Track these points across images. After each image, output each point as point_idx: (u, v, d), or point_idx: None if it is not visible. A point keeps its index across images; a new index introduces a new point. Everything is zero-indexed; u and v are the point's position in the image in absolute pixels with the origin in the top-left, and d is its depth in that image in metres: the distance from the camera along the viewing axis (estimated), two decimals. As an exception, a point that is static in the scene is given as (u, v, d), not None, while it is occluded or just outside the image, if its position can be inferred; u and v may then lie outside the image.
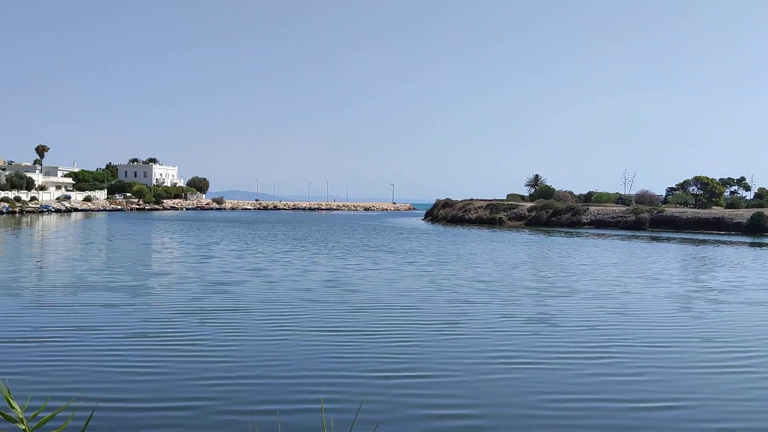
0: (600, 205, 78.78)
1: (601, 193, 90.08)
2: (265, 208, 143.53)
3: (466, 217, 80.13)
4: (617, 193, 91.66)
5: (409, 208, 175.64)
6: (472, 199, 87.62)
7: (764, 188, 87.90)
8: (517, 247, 37.33)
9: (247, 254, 28.91)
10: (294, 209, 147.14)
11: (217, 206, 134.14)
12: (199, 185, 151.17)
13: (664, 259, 30.57)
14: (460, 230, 60.04)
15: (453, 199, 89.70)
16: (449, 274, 22.53)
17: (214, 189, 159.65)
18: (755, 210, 65.51)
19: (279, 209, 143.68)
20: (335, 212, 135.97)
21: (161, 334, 11.54)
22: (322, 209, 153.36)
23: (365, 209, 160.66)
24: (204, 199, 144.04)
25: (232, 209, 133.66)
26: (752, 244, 44.96)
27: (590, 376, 9.41)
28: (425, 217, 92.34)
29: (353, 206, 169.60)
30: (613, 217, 70.86)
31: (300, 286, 18.46)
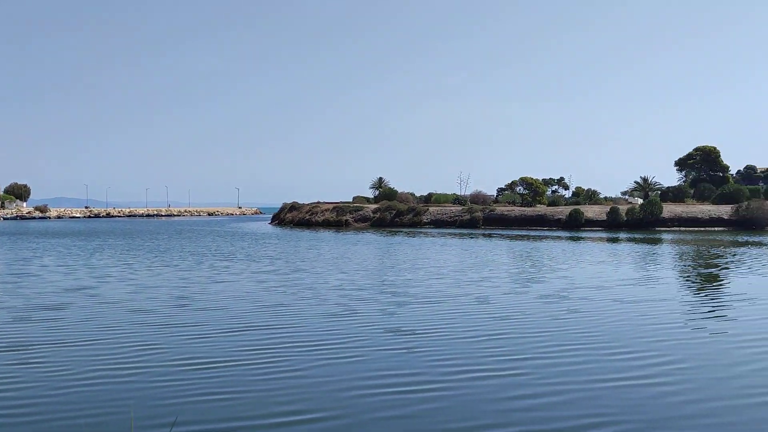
0: (439, 206, 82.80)
1: (440, 194, 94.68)
2: (97, 216, 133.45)
3: (314, 219, 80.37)
4: (454, 193, 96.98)
5: (256, 212, 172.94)
6: (318, 202, 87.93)
7: (581, 187, 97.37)
8: (382, 249, 37.33)
9: (75, 270, 25.43)
10: (130, 216, 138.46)
11: (40, 215, 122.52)
12: (18, 192, 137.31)
13: (508, 255, 31.69)
14: (309, 233, 60.06)
15: (300, 202, 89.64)
16: (316, 281, 21.46)
17: (37, 196, 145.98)
18: (573, 207, 72.67)
19: (113, 216, 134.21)
20: (176, 218, 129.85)
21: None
22: (162, 215, 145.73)
23: (209, 214, 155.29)
24: (25, 208, 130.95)
25: (58, 218, 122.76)
26: (570, 238, 49.92)
27: (506, 400, 8.63)
28: (272, 221, 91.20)
29: (196, 211, 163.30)
30: (451, 217, 74.94)
31: (140, 306, 16.15)
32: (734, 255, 32.39)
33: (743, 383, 9.29)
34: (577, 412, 8.01)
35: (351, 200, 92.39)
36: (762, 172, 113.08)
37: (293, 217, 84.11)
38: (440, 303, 16.96)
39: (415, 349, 11.48)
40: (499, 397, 8.68)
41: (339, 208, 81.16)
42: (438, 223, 74.51)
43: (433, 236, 54.32)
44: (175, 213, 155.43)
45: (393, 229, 67.95)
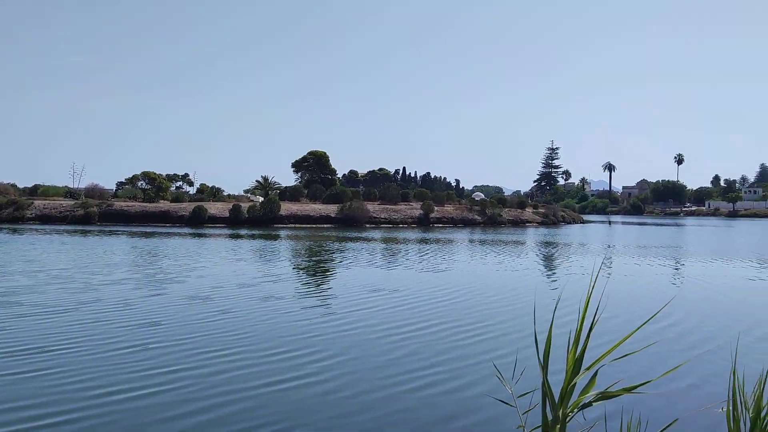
0: (47, 199, 73.65)
1: (49, 187, 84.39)
2: None
3: None
4: (66, 186, 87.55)
5: None
6: None
7: (205, 184, 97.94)
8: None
9: None
10: None
11: None
12: None
13: (137, 254, 29.62)
14: None
15: None
16: None
17: None
18: (197, 204, 72.43)
19: None
20: None
21: None
22: None
23: None
24: None
25: None
26: (196, 234, 49.73)
27: (167, 421, 7.91)
28: None
29: None
30: (61, 212, 67.36)
31: None
32: (346, 249, 36.54)
33: (395, 371, 10.20)
34: (253, 422, 7.84)
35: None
36: (362, 176, 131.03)
37: None
38: (70, 312, 14.98)
39: (44, 371, 9.81)
40: (159, 418, 7.93)
41: None
42: (46, 219, 66.13)
43: (46, 233, 47.90)
44: None
45: (-13, 226, 57.67)
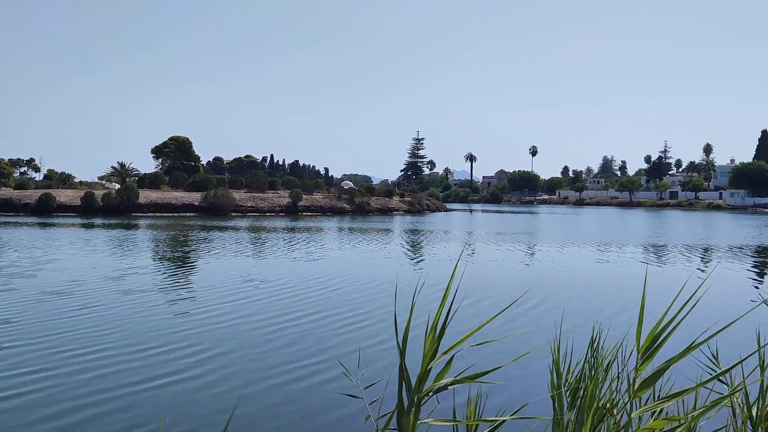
0: None
1: None
2: None
3: None
4: None
5: None
6: None
7: (53, 170, 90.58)
8: None
9: None
10: None
11: None
12: None
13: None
14: None
15: None
16: None
17: None
18: (44, 191, 66.96)
19: None
20: None
21: None
22: None
23: None
24: None
25: None
26: (44, 224, 46.10)
27: None
28: None
29: None
30: None
31: None
32: (213, 239, 35.46)
33: (266, 364, 10.06)
34: (122, 423, 7.42)
35: None
36: (228, 163, 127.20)
37: None
38: None
39: None
40: (15, 423, 7.34)
41: None
42: None
43: None
44: None
45: None
